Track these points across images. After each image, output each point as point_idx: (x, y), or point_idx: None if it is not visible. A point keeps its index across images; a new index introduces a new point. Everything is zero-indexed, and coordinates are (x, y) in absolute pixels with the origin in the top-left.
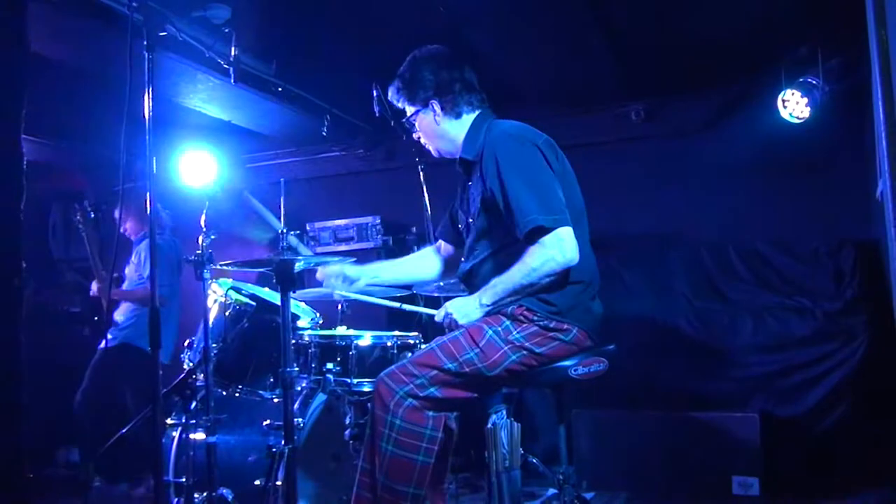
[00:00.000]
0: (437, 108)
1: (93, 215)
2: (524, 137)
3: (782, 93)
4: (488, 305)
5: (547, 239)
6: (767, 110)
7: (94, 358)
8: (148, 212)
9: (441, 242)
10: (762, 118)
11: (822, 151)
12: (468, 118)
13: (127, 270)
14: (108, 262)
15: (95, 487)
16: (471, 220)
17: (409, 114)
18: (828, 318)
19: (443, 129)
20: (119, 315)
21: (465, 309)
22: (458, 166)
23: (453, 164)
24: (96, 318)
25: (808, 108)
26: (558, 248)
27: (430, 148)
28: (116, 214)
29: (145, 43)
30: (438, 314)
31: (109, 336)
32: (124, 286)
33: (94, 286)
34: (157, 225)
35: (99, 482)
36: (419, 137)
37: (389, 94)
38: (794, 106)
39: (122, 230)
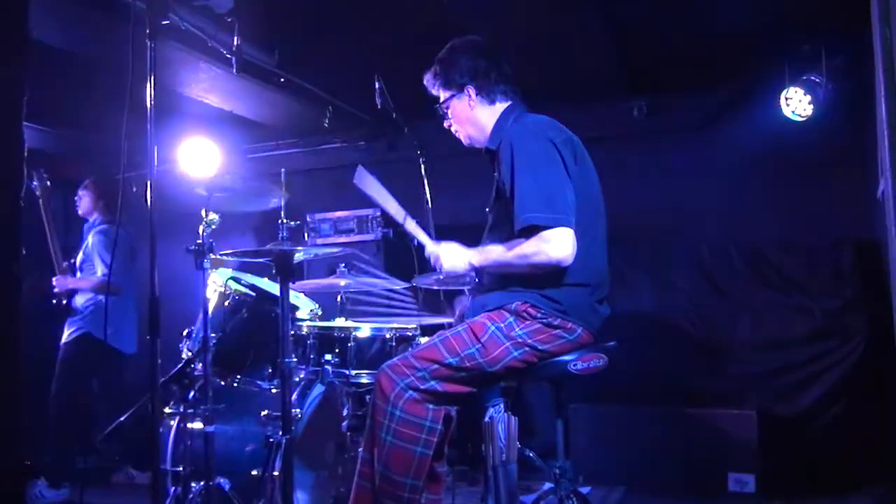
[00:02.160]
0: (472, 92)
1: (49, 183)
2: (542, 133)
3: (785, 90)
4: (475, 266)
5: (546, 233)
6: (770, 107)
7: (59, 352)
8: (149, 202)
9: None
10: (764, 115)
11: (824, 149)
12: (500, 107)
13: (78, 258)
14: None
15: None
16: (488, 210)
17: (442, 99)
18: (827, 316)
19: (475, 115)
20: (78, 300)
21: (453, 257)
22: (484, 155)
23: (454, 157)
24: (55, 302)
25: (811, 106)
26: (553, 245)
27: (461, 135)
28: (79, 191)
29: (147, 31)
30: (431, 247)
31: (70, 328)
32: (77, 275)
33: (55, 280)
34: (109, 212)
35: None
36: (450, 125)
37: (426, 79)
38: (796, 103)
39: (76, 201)
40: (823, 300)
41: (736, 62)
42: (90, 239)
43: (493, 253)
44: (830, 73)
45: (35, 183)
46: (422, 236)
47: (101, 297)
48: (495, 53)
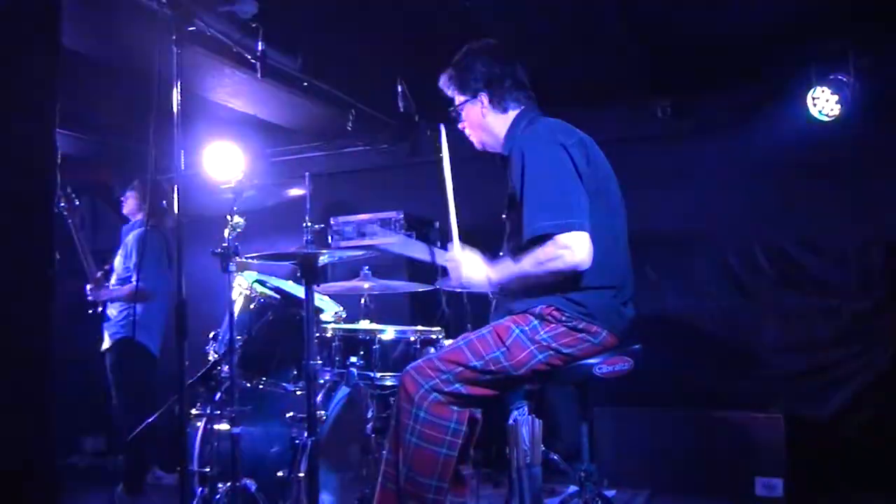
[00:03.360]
0: (486, 100)
1: (77, 202)
2: (552, 138)
3: (812, 90)
4: (493, 281)
5: (560, 238)
6: (797, 107)
7: (105, 361)
8: (175, 206)
9: None
10: (791, 115)
11: (852, 150)
12: (513, 114)
13: (116, 262)
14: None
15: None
16: (504, 217)
17: (457, 103)
18: (855, 318)
19: (488, 123)
20: (112, 309)
21: (473, 269)
22: (499, 161)
23: (478, 160)
24: (90, 312)
25: (839, 106)
26: (569, 249)
27: (474, 140)
28: (128, 190)
29: (174, 37)
30: (448, 256)
31: (108, 333)
32: (113, 278)
33: (88, 290)
34: (153, 216)
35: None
36: (464, 128)
37: (441, 81)
38: (823, 103)
39: (121, 202)
40: (852, 302)
41: (762, 62)
42: (129, 239)
43: (510, 267)
44: (858, 73)
45: (63, 204)
46: (455, 236)
47: (139, 302)
48: (511, 58)
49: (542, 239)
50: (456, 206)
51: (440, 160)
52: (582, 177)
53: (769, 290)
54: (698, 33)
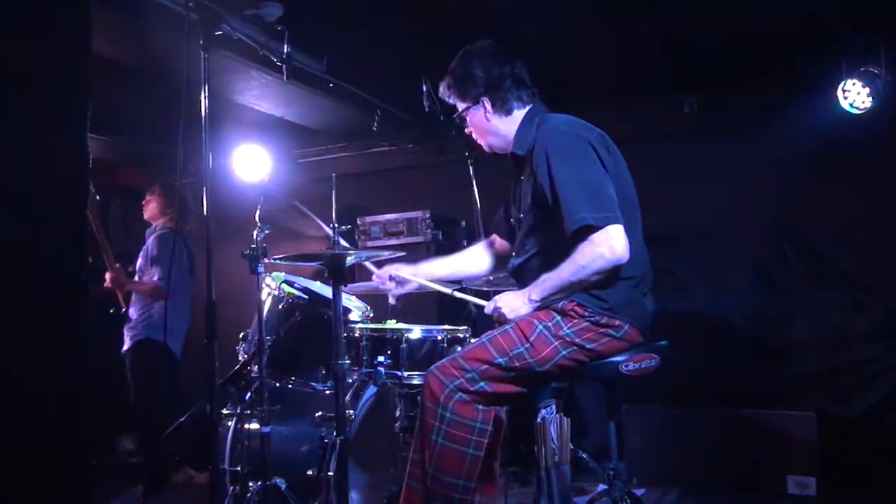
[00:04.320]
0: (488, 104)
1: (98, 198)
2: (575, 133)
3: (842, 82)
4: (537, 301)
5: (596, 236)
6: (827, 100)
7: (125, 362)
8: (204, 209)
9: (495, 236)
10: (821, 108)
11: (884, 142)
12: (519, 114)
13: (138, 264)
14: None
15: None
16: (522, 216)
17: (460, 110)
18: (889, 313)
19: (493, 126)
20: (132, 311)
21: (513, 303)
22: (511, 161)
23: (503, 158)
24: (112, 311)
25: (870, 98)
26: (608, 246)
27: (482, 143)
28: (149, 192)
29: (201, 42)
30: (488, 306)
31: (128, 335)
32: (136, 278)
33: (108, 277)
34: (180, 220)
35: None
36: (471, 133)
37: (440, 90)
38: (854, 96)
39: (142, 206)
40: (885, 297)
41: (791, 55)
42: (150, 243)
43: (549, 281)
44: (889, 64)
45: None
46: (474, 300)
47: (155, 304)
48: (509, 58)
49: (586, 230)
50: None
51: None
52: (607, 169)
53: (799, 285)
54: (725, 26)
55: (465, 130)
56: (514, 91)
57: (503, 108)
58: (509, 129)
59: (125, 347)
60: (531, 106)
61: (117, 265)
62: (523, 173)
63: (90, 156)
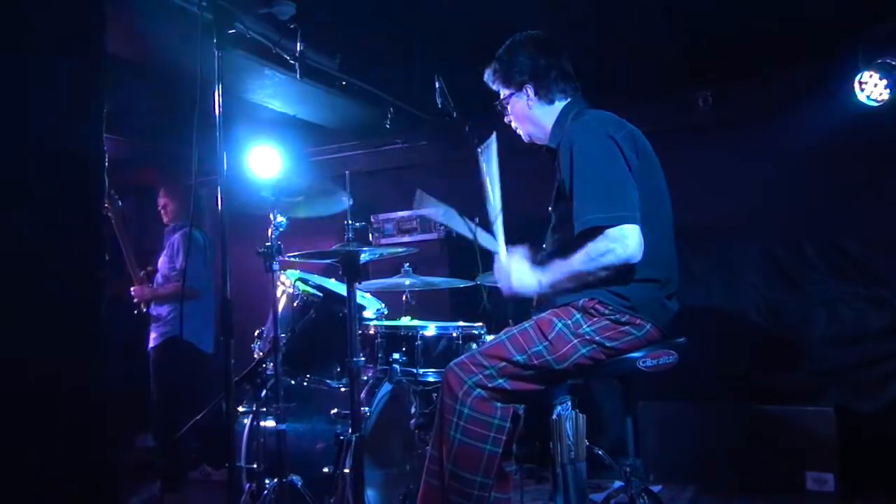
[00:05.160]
0: (531, 92)
1: (120, 203)
2: (602, 130)
3: (859, 75)
4: (546, 286)
5: (611, 231)
6: (843, 93)
7: (150, 359)
8: (219, 207)
9: None
10: (838, 101)
11: None
12: (559, 105)
13: (160, 262)
14: (140, 260)
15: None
16: (550, 209)
17: (502, 96)
18: None
19: (534, 115)
20: (162, 308)
21: (524, 278)
22: (546, 153)
23: (516, 156)
24: (136, 312)
25: (888, 91)
26: (620, 243)
27: (521, 132)
28: (160, 194)
29: (215, 41)
30: (502, 261)
31: (155, 334)
32: (158, 278)
33: (133, 290)
34: (196, 218)
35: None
36: (510, 121)
37: (486, 75)
38: (871, 88)
39: (160, 208)
40: None
41: (806, 47)
42: (175, 238)
43: (559, 268)
44: None
45: (105, 205)
46: (497, 246)
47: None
48: (556, 50)
49: (592, 232)
50: (504, 212)
51: (488, 167)
52: (632, 169)
53: (817, 281)
54: (739, 19)
55: (505, 119)
56: (559, 82)
57: (546, 97)
58: (549, 121)
59: (152, 344)
60: (572, 100)
61: (141, 273)
62: (555, 167)
63: (106, 155)
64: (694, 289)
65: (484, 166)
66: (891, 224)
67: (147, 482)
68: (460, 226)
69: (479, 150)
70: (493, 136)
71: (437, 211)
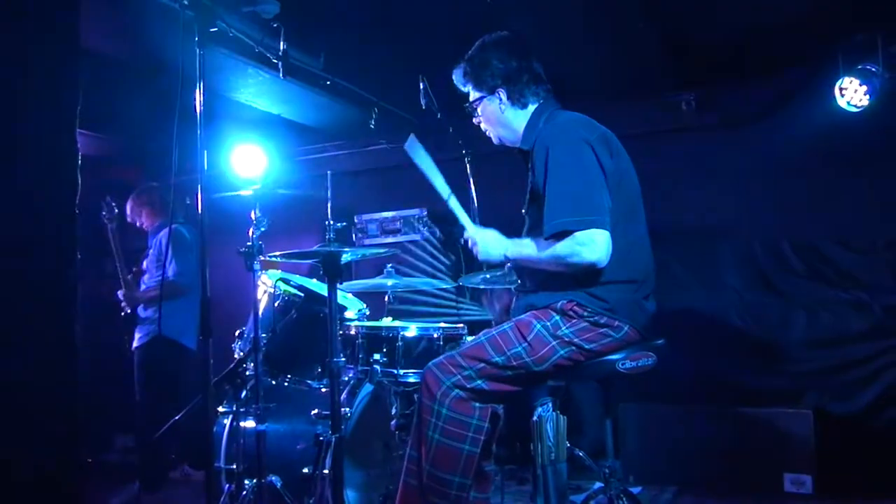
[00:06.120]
0: (504, 96)
1: (117, 210)
2: (576, 133)
3: (839, 80)
4: (511, 257)
5: (579, 235)
6: (824, 99)
7: (135, 358)
8: (199, 207)
9: None
10: (818, 107)
11: (881, 141)
12: (531, 108)
13: (146, 263)
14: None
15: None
16: (524, 211)
17: (472, 98)
18: (887, 312)
19: (506, 118)
20: (145, 308)
21: (491, 244)
22: (519, 156)
23: (500, 156)
24: (123, 315)
25: (867, 97)
26: (587, 247)
27: (491, 134)
28: (128, 209)
29: (196, 39)
30: (470, 232)
31: (140, 333)
32: (145, 278)
33: (121, 294)
34: (178, 214)
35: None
36: (479, 122)
37: (455, 76)
38: (851, 94)
39: (138, 224)
40: (883, 296)
41: (787, 53)
42: (161, 241)
43: (528, 248)
44: (887, 62)
45: (104, 213)
46: (464, 218)
47: (170, 300)
48: (527, 52)
49: (562, 235)
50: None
51: (421, 160)
52: (606, 172)
53: (797, 284)
54: (721, 25)
55: (474, 120)
56: (531, 85)
57: (519, 101)
58: (521, 123)
59: (137, 344)
60: (544, 101)
61: (129, 276)
62: (528, 169)
63: (79, 154)
64: (674, 291)
65: (417, 161)
66: (869, 228)
67: (126, 482)
68: (440, 184)
69: (406, 149)
70: (413, 136)
71: (424, 162)
